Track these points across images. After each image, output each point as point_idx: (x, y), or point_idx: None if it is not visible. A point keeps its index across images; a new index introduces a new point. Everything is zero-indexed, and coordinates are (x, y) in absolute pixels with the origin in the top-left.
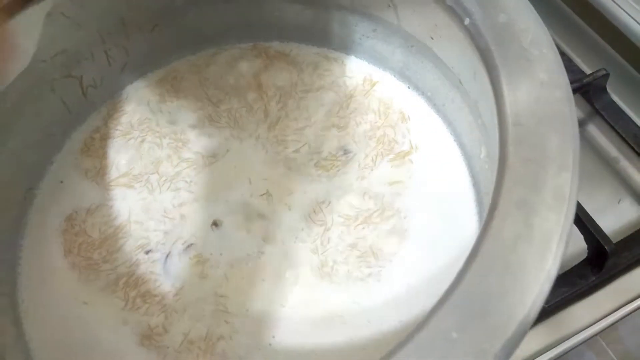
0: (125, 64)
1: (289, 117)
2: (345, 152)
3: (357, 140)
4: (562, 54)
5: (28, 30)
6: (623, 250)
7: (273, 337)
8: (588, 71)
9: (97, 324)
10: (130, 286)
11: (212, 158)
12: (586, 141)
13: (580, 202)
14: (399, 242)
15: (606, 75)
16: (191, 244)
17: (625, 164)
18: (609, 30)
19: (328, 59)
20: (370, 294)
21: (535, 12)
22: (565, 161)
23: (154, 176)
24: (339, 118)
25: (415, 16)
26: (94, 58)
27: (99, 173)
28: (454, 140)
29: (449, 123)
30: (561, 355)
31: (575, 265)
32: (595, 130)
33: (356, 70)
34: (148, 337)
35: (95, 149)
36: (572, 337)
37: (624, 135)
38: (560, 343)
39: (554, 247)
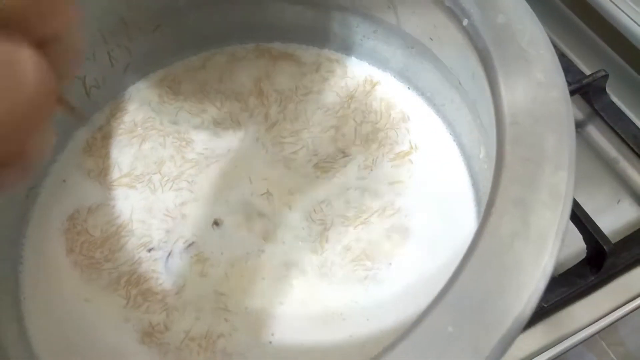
0: (127, 64)
1: (290, 119)
2: (345, 153)
3: (357, 141)
4: (562, 55)
5: None
6: (622, 250)
7: (272, 334)
8: (588, 72)
9: (99, 322)
10: (131, 284)
11: (213, 158)
12: (586, 142)
13: (579, 202)
14: (399, 241)
15: (606, 76)
16: (192, 243)
17: (625, 165)
18: (609, 32)
19: (330, 60)
20: (369, 292)
21: (532, 13)
22: (561, 160)
23: (156, 176)
24: (339, 118)
25: (414, 17)
26: (97, 58)
27: (101, 173)
28: (454, 140)
29: (448, 123)
30: (560, 355)
31: (575, 265)
32: (594, 131)
33: (357, 71)
34: (149, 335)
35: (98, 149)
36: (571, 337)
37: (623, 136)
38: (560, 342)
39: (550, 244)
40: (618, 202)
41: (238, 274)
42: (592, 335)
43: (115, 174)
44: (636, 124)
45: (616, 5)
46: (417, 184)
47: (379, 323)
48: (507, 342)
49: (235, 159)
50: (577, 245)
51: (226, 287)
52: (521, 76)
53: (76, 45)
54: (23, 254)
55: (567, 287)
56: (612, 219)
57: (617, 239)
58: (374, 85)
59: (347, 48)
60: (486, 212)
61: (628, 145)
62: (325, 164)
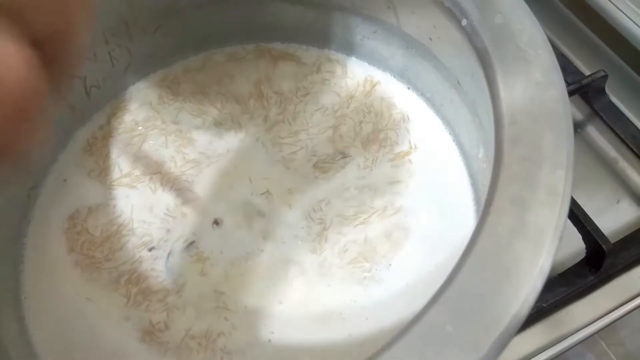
0: (128, 64)
1: (290, 120)
2: (345, 153)
3: (357, 141)
4: (562, 56)
5: None
6: (621, 250)
7: (272, 333)
8: (587, 72)
9: (99, 320)
10: (131, 283)
11: (213, 158)
12: (585, 142)
13: (579, 202)
14: (398, 241)
15: (605, 77)
16: (192, 242)
17: (624, 165)
18: (608, 32)
19: (330, 60)
20: (369, 292)
21: (531, 13)
22: (559, 159)
23: (156, 176)
24: (339, 118)
25: (414, 17)
26: (98, 58)
27: (101, 172)
28: (453, 140)
29: (447, 123)
30: (560, 355)
31: (574, 265)
32: (594, 132)
33: (357, 71)
34: (149, 333)
35: (98, 148)
36: (571, 337)
37: (622, 137)
38: (559, 342)
39: (548, 242)
40: (617, 202)
41: (238, 273)
42: (592, 335)
43: (115, 173)
44: (635, 124)
45: (616, 6)
46: (417, 184)
47: (379, 322)
48: (505, 340)
49: (235, 159)
50: (576, 245)
51: (226, 286)
52: (520, 76)
53: (79, 47)
54: (24, 253)
55: (566, 286)
56: (611, 219)
57: (617, 239)
58: (373, 85)
59: (347, 48)
60: (484, 211)
61: (627, 145)
62: (324, 164)
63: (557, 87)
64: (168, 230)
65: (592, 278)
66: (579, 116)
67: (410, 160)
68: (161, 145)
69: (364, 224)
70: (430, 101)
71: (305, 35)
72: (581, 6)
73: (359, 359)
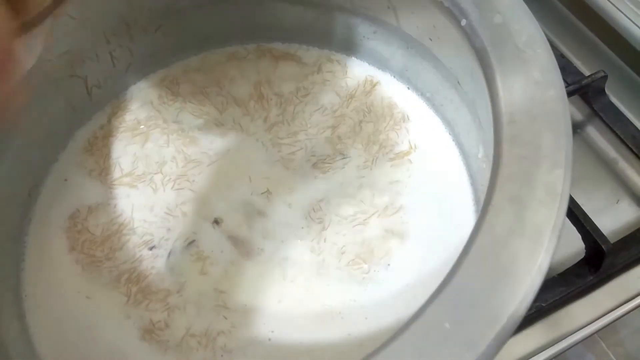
0: (129, 64)
1: (290, 120)
2: (345, 153)
3: (357, 141)
4: (562, 56)
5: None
6: (621, 250)
7: (272, 331)
8: (587, 73)
9: (100, 319)
10: (132, 282)
11: (214, 158)
12: (585, 142)
13: (578, 202)
14: (398, 240)
15: (605, 77)
16: (192, 241)
17: (624, 165)
18: (608, 33)
19: (330, 60)
20: (368, 291)
21: (530, 13)
22: (558, 158)
23: (157, 176)
24: (339, 118)
25: (414, 18)
26: (99, 58)
27: (102, 172)
28: (453, 140)
29: (447, 123)
30: (559, 354)
31: (573, 265)
32: (593, 132)
33: (357, 71)
34: (150, 332)
35: (99, 148)
36: (570, 336)
37: (622, 137)
38: (558, 342)
39: (546, 241)
40: (617, 202)
41: (237, 272)
42: (591, 335)
43: (116, 173)
44: (635, 124)
45: (615, 7)
46: (416, 184)
47: (378, 322)
48: (503, 338)
49: (235, 159)
50: (576, 245)
51: (226, 285)
52: (518, 75)
53: None
54: (25, 251)
55: (565, 286)
56: (611, 219)
57: (616, 239)
58: (374, 85)
59: (347, 48)
60: (483, 210)
61: (627, 145)
62: (324, 164)
63: (555, 86)
64: (169, 230)
65: (591, 278)
66: (579, 116)
67: (410, 160)
68: (162, 144)
69: (363, 224)
70: (430, 101)
71: (305, 36)
72: (581, 7)
73: (358, 358)
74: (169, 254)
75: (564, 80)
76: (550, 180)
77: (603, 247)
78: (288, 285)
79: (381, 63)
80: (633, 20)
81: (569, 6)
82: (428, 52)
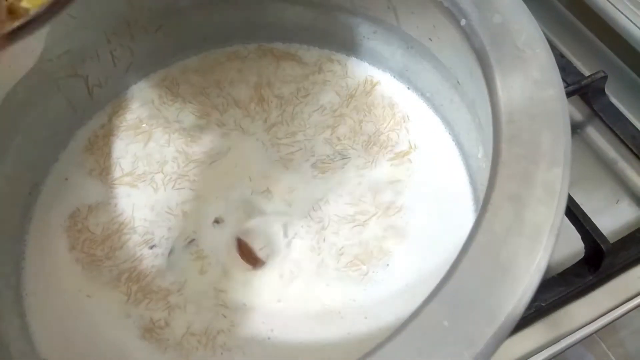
0: (130, 64)
1: (290, 120)
2: (345, 153)
3: (357, 141)
4: (561, 56)
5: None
6: (620, 249)
7: (272, 330)
8: (587, 73)
9: (100, 318)
10: (132, 281)
11: (214, 157)
12: (585, 143)
13: (578, 202)
14: (398, 240)
15: (604, 77)
16: (193, 240)
17: (624, 165)
18: (608, 33)
19: (330, 60)
20: (368, 290)
21: (529, 12)
22: (556, 157)
23: (158, 175)
24: (339, 118)
25: (414, 18)
26: (100, 58)
27: (102, 172)
28: (452, 139)
29: (447, 123)
30: (559, 354)
31: (573, 265)
32: (593, 132)
33: (357, 71)
34: (150, 330)
35: (100, 147)
36: (569, 336)
37: (622, 137)
38: (558, 341)
39: (545, 239)
40: (617, 203)
41: (237, 271)
42: (590, 335)
43: (117, 172)
44: (635, 124)
45: (615, 7)
46: (416, 183)
47: (377, 321)
48: (502, 336)
49: (235, 159)
50: (575, 245)
51: (225, 284)
52: (517, 75)
53: None
54: (25, 250)
55: (565, 286)
56: (610, 219)
57: (616, 239)
58: (374, 85)
59: (347, 48)
60: (482, 209)
61: (627, 145)
62: (323, 164)
63: (554, 86)
64: (169, 229)
65: (591, 278)
66: (579, 117)
67: (409, 160)
68: (164, 144)
69: (363, 224)
70: (430, 101)
71: (305, 35)
72: (581, 7)
73: (357, 357)
74: (170, 253)
75: (564, 81)
76: (549, 179)
77: (602, 247)
78: (288, 284)
79: (381, 63)
80: (633, 20)
81: (569, 6)
82: (428, 52)
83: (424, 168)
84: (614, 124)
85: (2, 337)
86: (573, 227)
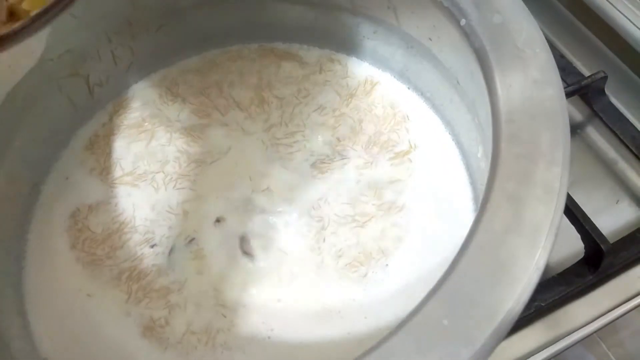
0: (130, 63)
1: (290, 120)
2: (345, 152)
3: (357, 140)
4: (561, 56)
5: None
6: (620, 250)
7: (272, 330)
8: (587, 73)
9: (101, 316)
10: (132, 280)
11: (214, 157)
12: (585, 143)
13: (578, 202)
14: (398, 239)
15: (605, 78)
16: (193, 239)
17: (624, 166)
18: (608, 34)
19: (331, 60)
20: (368, 290)
21: (529, 12)
22: (555, 156)
23: (159, 175)
24: (339, 118)
25: (414, 18)
26: (101, 57)
27: (103, 171)
28: (452, 139)
29: (447, 122)
30: (558, 354)
31: (573, 265)
32: (593, 132)
33: (357, 71)
34: (150, 329)
35: (101, 147)
36: (569, 336)
37: (622, 137)
38: (558, 341)
39: (543, 238)
40: (616, 203)
41: (237, 271)
42: (590, 335)
43: (117, 172)
44: (635, 125)
45: (615, 7)
46: (416, 183)
47: (377, 320)
48: (500, 334)
49: (236, 158)
50: (575, 245)
51: (225, 283)
52: (517, 75)
53: None
54: (26, 249)
55: (565, 286)
56: (610, 219)
57: (616, 239)
58: (374, 85)
59: (347, 48)
60: (481, 208)
61: (627, 146)
62: (322, 164)
63: (554, 85)
64: (170, 228)
65: (590, 278)
66: (579, 117)
67: (409, 159)
68: (164, 143)
69: (362, 224)
70: (430, 101)
71: (306, 35)
72: (581, 7)
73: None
74: (170, 252)
75: (564, 81)
76: (548, 178)
77: (602, 247)
78: (287, 284)
79: (381, 63)
80: (633, 20)
81: (569, 6)
82: (428, 52)
83: (424, 168)
84: (614, 124)
85: (3, 335)
86: (573, 227)
